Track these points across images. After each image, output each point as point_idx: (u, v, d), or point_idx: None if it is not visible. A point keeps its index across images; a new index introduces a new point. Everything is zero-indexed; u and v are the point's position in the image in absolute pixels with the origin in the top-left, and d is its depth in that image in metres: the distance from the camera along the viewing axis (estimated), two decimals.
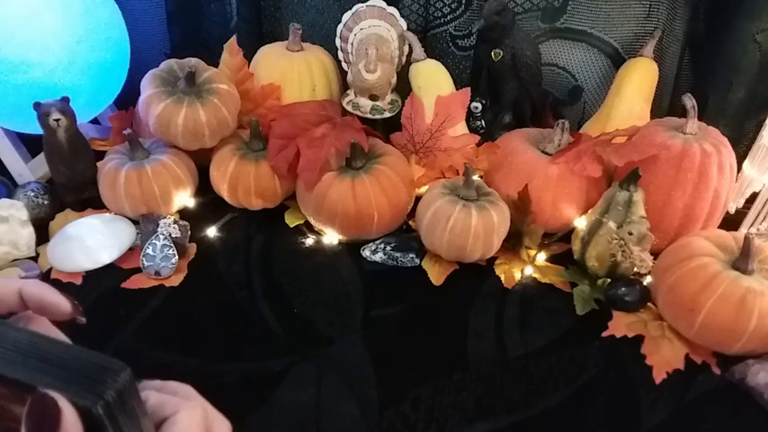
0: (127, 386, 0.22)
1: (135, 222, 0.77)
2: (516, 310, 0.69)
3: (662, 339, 0.64)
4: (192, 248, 0.76)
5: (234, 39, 0.86)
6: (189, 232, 0.75)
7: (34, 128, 0.75)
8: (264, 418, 0.56)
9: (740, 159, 0.75)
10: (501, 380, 0.60)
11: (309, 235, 0.79)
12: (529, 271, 0.73)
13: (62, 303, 0.28)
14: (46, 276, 0.71)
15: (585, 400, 0.59)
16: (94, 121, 0.96)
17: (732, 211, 0.79)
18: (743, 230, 0.76)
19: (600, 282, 0.70)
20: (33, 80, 0.76)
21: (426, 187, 0.78)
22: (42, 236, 0.75)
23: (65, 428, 0.20)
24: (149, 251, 0.71)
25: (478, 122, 0.87)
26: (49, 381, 0.21)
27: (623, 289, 0.67)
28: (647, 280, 0.70)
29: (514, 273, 0.73)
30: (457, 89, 0.82)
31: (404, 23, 0.86)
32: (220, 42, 0.86)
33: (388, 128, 0.86)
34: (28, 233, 0.73)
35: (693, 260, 0.62)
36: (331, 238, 0.78)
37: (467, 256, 0.72)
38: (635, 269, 0.69)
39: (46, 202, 0.78)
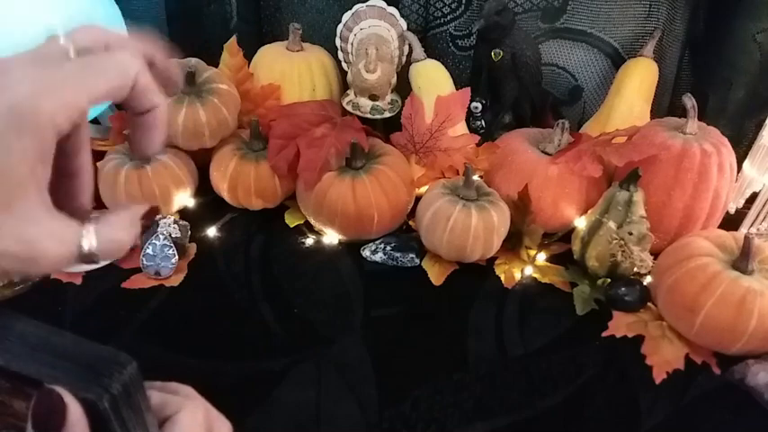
0: (133, 379, 0.22)
1: None
2: (516, 310, 0.69)
3: (662, 339, 0.64)
4: (192, 248, 0.75)
5: (234, 39, 0.86)
6: (189, 232, 0.75)
7: None
8: (264, 418, 0.56)
9: (740, 159, 0.75)
10: (501, 380, 0.60)
11: (309, 235, 0.79)
12: (529, 271, 0.73)
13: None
14: (46, 276, 0.71)
15: (585, 400, 0.59)
16: (94, 121, 0.96)
17: (732, 211, 0.79)
18: (743, 230, 0.76)
19: (600, 282, 0.70)
20: None
21: (426, 187, 0.78)
22: None
23: (71, 424, 0.20)
24: (149, 251, 0.71)
25: (478, 122, 0.87)
26: (54, 373, 0.21)
27: (623, 289, 0.67)
28: (647, 280, 0.69)
29: (514, 273, 0.73)
30: (457, 89, 0.82)
31: (404, 23, 0.86)
32: (220, 42, 0.86)
33: (388, 128, 0.85)
34: None
35: (693, 260, 0.62)
36: (331, 238, 0.78)
37: (467, 256, 0.72)
38: (635, 269, 0.69)
39: None
